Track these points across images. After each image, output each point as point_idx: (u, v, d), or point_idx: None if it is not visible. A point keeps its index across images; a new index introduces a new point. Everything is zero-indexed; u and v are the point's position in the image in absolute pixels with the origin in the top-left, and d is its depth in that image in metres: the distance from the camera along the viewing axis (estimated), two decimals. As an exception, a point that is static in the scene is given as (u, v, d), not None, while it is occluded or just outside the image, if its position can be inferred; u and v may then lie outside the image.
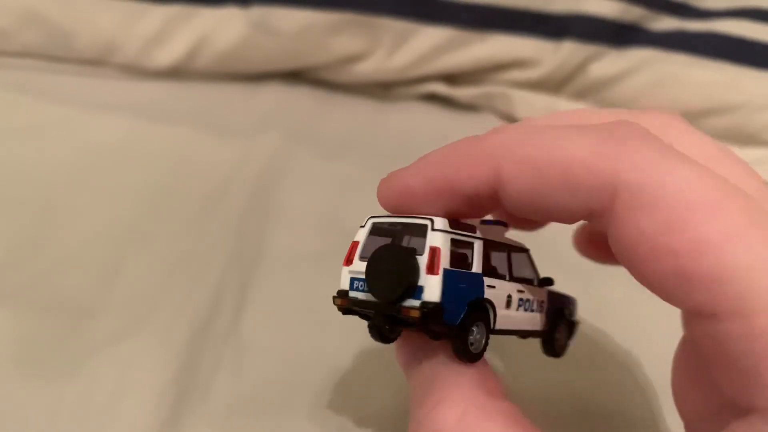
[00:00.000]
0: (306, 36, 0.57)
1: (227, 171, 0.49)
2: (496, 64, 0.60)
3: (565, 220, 0.22)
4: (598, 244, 0.30)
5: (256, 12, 0.57)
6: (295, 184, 0.50)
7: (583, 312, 0.31)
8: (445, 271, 0.22)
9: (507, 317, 0.25)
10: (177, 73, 0.59)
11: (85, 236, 0.42)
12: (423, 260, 0.22)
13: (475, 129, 0.58)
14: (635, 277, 0.20)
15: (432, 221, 0.23)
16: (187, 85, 0.60)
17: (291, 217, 0.46)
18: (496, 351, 0.35)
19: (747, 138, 0.59)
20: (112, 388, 0.33)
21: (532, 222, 0.30)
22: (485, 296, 0.24)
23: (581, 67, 0.59)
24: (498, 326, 0.24)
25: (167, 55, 0.59)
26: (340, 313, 0.25)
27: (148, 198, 0.46)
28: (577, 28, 0.58)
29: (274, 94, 0.60)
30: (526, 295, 0.26)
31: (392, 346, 0.26)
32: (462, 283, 0.23)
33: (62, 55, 0.59)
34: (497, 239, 0.25)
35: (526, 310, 0.25)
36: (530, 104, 0.59)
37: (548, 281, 0.27)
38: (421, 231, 0.23)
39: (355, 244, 0.25)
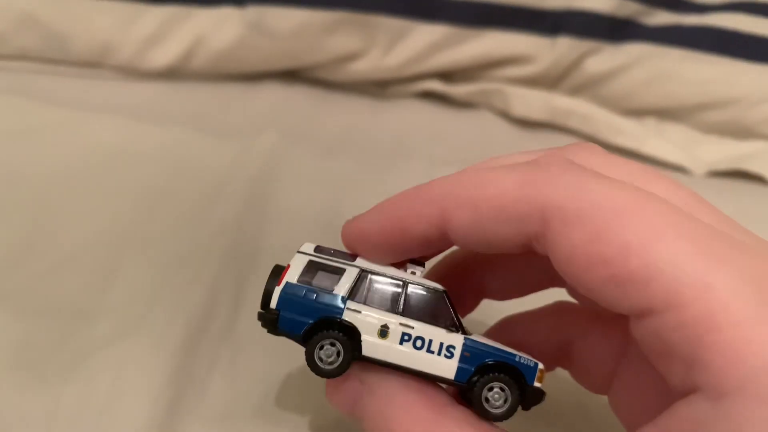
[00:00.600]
0: (302, 35, 0.57)
1: (223, 171, 0.49)
2: (492, 61, 0.60)
3: (510, 249, 0.24)
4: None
5: (252, 12, 0.57)
6: (292, 184, 0.50)
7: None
8: (287, 283, 0.26)
9: (382, 347, 0.25)
10: (173, 74, 0.59)
11: (81, 238, 0.43)
12: None
13: (472, 125, 0.59)
14: (581, 292, 0.22)
15: (301, 245, 0.27)
16: (183, 86, 0.60)
17: (288, 216, 0.46)
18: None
19: (744, 132, 0.59)
20: (109, 389, 0.33)
21: (512, 291, 0.31)
22: (343, 317, 0.25)
23: (577, 62, 0.59)
24: (368, 353, 0.25)
25: (163, 56, 0.59)
26: None
27: (144, 199, 0.46)
28: (572, 24, 0.58)
29: (271, 94, 0.60)
30: (418, 333, 0.25)
31: None
32: (309, 298, 0.26)
33: (58, 58, 0.59)
34: (394, 274, 0.26)
35: (416, 347, 0.25)
36: (526, 101, 0.59)
37: (461, 329, 0.26)
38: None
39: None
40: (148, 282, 0.40)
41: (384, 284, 0.26)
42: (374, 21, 0.57)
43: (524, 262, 0.29)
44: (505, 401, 0.25)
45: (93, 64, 0.59)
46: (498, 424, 0.25)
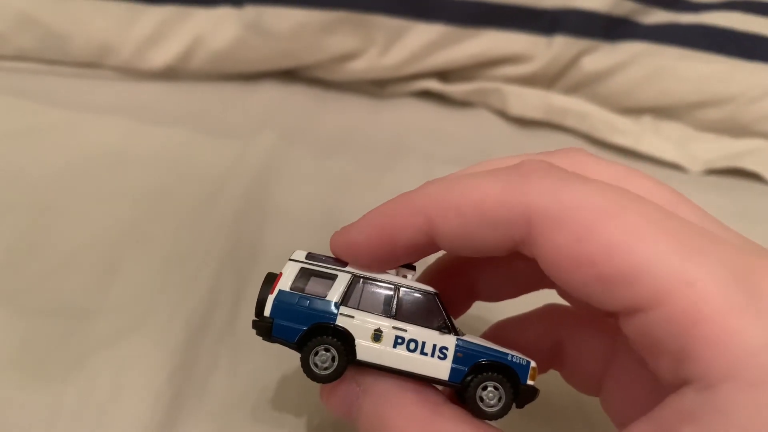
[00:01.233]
0: (299, 35, 0.57)
1: (222, 171, 0.49)
2: (489, 60, 0.60)
3: (498, 253, 0.24)
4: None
5: (250, 12, 0.58)
6: (291, 183, 0.50)
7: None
8: (280, 291, 0.26)
9: (377, 351, 0.26)
10: (172, 74, 0.60)
11: (81, 238, 0.43)
12: None
13: (469, 124, 0.59)
14: (570, 292, 0.22)
15: (293, 253, 0.27)
16: (182, 86, 0.60)
17: (286, 215, 0.47)
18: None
19: (740, 129, 0.59)
20: (109, 388, 0.33)
21: (504, 293, 0.31)
22: (337, 323, 0.26)
23: (574, 61, 0.60)
24: (363, 357, 0.26)
25: (162, 56, 0.59)
26: None
27: (144, 199, 0.46)
28: (568, 23, 0.58)
29: (269, 94, 0.60)
30: (411, 336, 0.26)
31: None
32: (302, 305, 0.26)
33: (57, 58, 0.59)
34: (386, 278, 0.27)
35: (409, 350, 0.26)
36: (523, 99, 0.59)
37: (453, 330, 0.26)
38: None
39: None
40: (148, 281, 0.40)
41: (376, 288, 0.27)
42: (372, 20, 0.58)
43: (514, 264, 0.29)
44: (499, 400, 0.25)
45: (92, 64, 0.59)
46: (492, 422, 0.26)
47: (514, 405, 0.26)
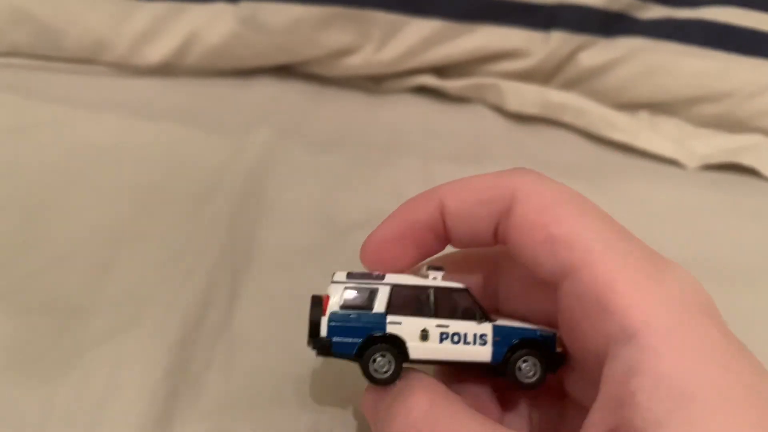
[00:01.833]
0: (295, 31, 0.57)
1: (218, 167, 0.49)
2: (486, 56, 0.60)
3: (486, 230, 0.28)
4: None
5: (245, 7, 0.57)
6: (287, 179, 0.50)
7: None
8: (332, 313, 0.29)
9: (426, 348, 0.28)
10: (167, 69, 0.59)
11: (76, 235, 0.43)
12: None
13: (467, 120, 0.59)
14: (520, 255, 0.27)
15: (333, 275, 0.29)
16: (177, 82, 0.60)
17: (282, 212, 0.46)
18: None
19: (736, 125, 0.59)
20: (105, 385, 0.33)
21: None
22: (387, 331, 0.28)
23: (571, 56, 0.59)
24: (416, 356, 0.28)
25: (157, 51, 0.58)
26: None
27: (139, 196, 0.46)
28: (565, 18, 0.58)
29: (265, 89, 0.60)
30: (453, 330, 0.29)
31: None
32: (354, 321, 0.29)
33: (52, 54, 0.59)
34: (420, 283, 0.29)
35: (454, 342, 0.29)
36: (520, 95, 0.59)
37: (487, 317, 0.29)
38: None
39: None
40: (143, 278, 0.40)
41: (414, 294, 0.29)
42: (368, 16, 0.57)
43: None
44: (536, 371, 0.29)
45: (86, 60, 0.59)
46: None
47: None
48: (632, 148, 0.58)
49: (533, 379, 0.29)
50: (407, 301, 0.29)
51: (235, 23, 0.57)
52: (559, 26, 0.58)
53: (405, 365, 0.28)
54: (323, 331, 0.29)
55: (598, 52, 0.59)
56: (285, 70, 0.61)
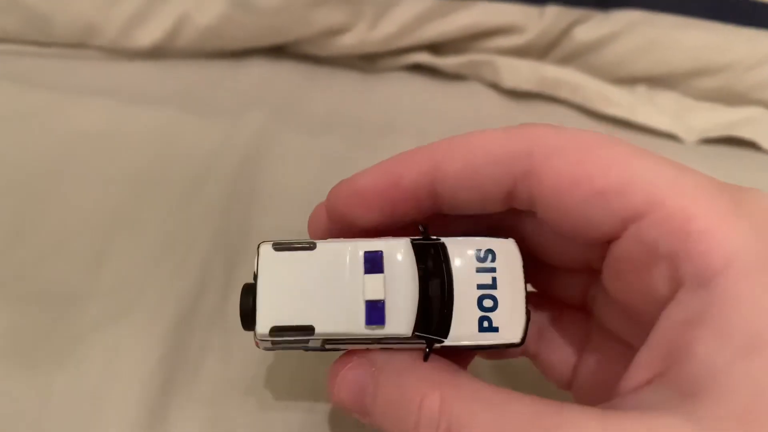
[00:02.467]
0: (286, 10, 0.56)
1: (212, 151, 0.49)
2: (481, 32, 0.59)
3: (495, 196, 0.25)
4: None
5: (236, -13, 0.56)
6: (281, 162, 0.49)
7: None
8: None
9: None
10: (159, 53, 0.59)
11: (69, 223, 0.42)
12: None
13: (462, 98, 0.58)
14: (558, 218, 0.24)
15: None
16: (169, 65, 0.59)
17: (277, 196, 0.46)
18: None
19: (737, 98, 0.58)
20: (100, 373, 0.33)
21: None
22: None
23: (566, 31, 0.59)
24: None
25: (148, 35, 0.58)
26: None
27: (132, 182, 0.46)
28: (560, -8, 0.58)
29: (258, 71, 0.59)
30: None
31: None
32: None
33: (42, 39, 0.58)
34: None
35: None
36: (516, 71, 0.58)
37: None
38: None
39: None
40: (138, 265, 0.40)
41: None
42: (360, -7, 0.57)
43: None
44: None
45: (77, 45, 0.58)
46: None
47: None
48: (630, 123, 0.57)
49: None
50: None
51: (225, 4, 0.57)
52: (554, 0, 0.58)
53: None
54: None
55: (594, 26, 0.58)
56: (278, 51, 0.61)
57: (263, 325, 0.25)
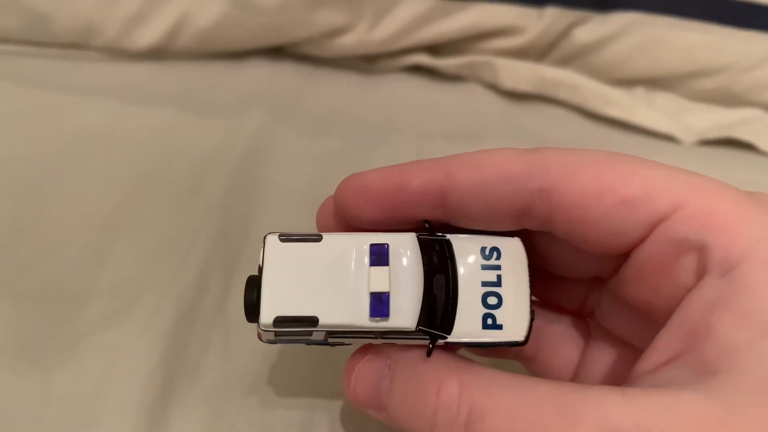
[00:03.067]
0: (286, 11, 0.56)
1: (212, 151, 0.49)
2: (480, 33, 0.59)
3: (508, 212, 0.25)
4: None
5: (236, -12, 0.57)
6: (281, 162, 0.49)
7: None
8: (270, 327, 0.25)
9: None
10: (158, 53, 0.59)
11: (70, 222, 0.42)
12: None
13: (461, 99, 0.59)
14: (581, 232, 0.24)
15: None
16: (169, 65, 0.59)
17: (277, 195, 0.46)
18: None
19: (734, 99, 0.58)
20: (101, 372, 0.33)
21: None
22: None
23: (565, 33, 0.59)
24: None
25: (148, 35, 0.58)
26: None
27: (132, 181, 0.46)
28: (559, -6, 0.58)
29: (258, 71, 0.59)
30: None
31: None
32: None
33: (42, 39, 0.58)
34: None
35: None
36: (515, 72, 0.59)
37: None
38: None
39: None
40: (138, 264, 0.40)
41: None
42: (359, -6, 0.57)
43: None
44: None
45: (77, 45, 0.58)
46: None
47: None
48: (628, 124, 0.57)
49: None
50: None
51: (225, 4, 0.57)
52: (553, 2, 0.58)
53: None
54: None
55: (592, 27, 0.58)
56: (277, 52, 0.61)
57: (267, 315, 0.25)
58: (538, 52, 0.60)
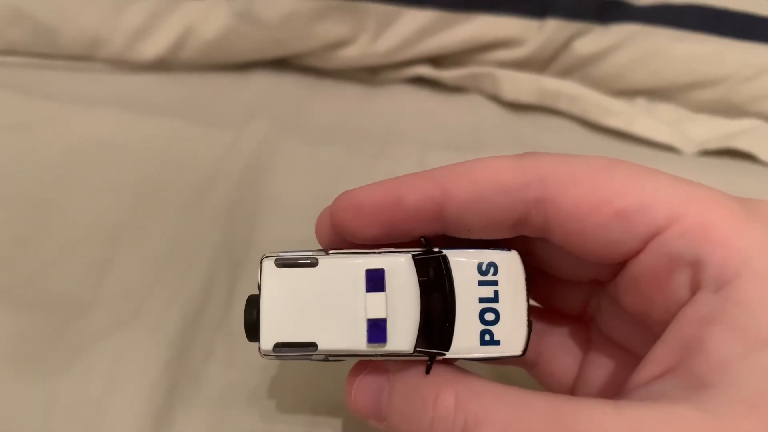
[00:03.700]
0: (290, 24, 0.57)
1: (216, 161, 0.49)
2: (481, 45, 0.60)
3: (504, 222, 0.25)
4: None
5: (240, 1, 0.57)
6: (284, 172, 0.50)
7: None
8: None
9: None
10: (163, 65, 0.59)
11: (75, 231, 0.43)
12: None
13: (463, 110, 0.59)
14: (577, 242, 0.24)
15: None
16: (173, 77, 0.60)
17: (280, 205, 0.47)
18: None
19: (733, 110, 0.59)
20: (106, 380, 0.34)
21: None
22: None
23: (566, 44, 0.59)
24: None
25: (153, 47, 0.58)
26: None
27: (137, 191, 0.46)
28: (560, 5, 0.58)
29: (261, 83, 0.60)
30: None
31: None
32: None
33: (48, 51, 0.59)
34: None
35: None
36: (516, 83, 0.59)
37: None
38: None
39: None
40: (142, 273, 0.40)
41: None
42: (362, 7, 0.57)
43: None
44: None
45: (83, 57, 0.59)
46: None
47: None
48: (629, 134, 0.57)
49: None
50: None
51: (230, 17, 0.57)
52: (554, 14, 0.58)
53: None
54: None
55: (593, 39, 0.59)
56: (281, 63, 0.61)
57: (267, 342, 0.25)
58: (539, 64, 0.61)
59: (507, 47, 0.60)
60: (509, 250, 0.26)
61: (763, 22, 0.58)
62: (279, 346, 0.25)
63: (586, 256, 0.25)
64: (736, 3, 0.58)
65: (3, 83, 0.56)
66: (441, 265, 0.26)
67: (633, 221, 0.23)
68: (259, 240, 0.43)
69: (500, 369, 0.35)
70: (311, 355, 0.26)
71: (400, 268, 0.26)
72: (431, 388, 0.25)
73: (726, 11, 0.58)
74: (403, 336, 0.25)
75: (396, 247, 0.26)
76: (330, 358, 0.27)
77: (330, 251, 0.26)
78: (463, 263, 0.26)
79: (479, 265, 0.26)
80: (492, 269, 0.26)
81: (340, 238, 0.28)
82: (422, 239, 0.26)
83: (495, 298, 0.25)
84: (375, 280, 0.25)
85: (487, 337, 0.25)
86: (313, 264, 0.26)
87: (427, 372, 0.25)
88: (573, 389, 0.30)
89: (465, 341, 0.25)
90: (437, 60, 0.61)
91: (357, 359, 0.28)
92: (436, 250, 0.26)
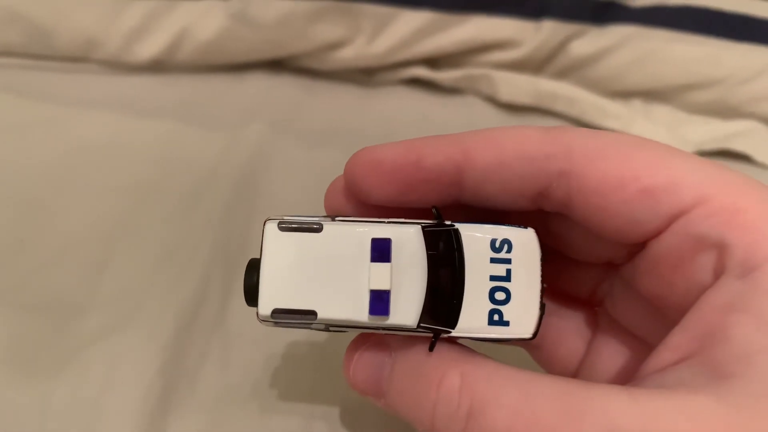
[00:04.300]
0: (286, 25, 0.57)
1: (212, 163, 0.49)
2: (478, 46, 0.59)
3: (525, 193, 0.24)
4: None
5: (236, 2, 0.57)
6: (281, 174, 0.50)
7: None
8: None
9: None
10: (159, 66, 0.59)
11: (70, 233, 0.43)
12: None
13: (459, 111, 0.59)
14: (600, 219, 0.24)
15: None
16: (169, 78, 0.60)
17: (277, 206, 0.46)
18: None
19: (730, 111, 0.59)
20: (101, 382, 0.34)
21: None
22: None
23: (562, 45, 0.59)
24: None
25: (149, 48, 0.58)
26: None
27: (133, 192, 0.46)
28: (556, 7, 0.58)
29: (258, 84, 0.60)
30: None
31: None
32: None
33: (43, 53, 0.59)
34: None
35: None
36: (513, 85, 0.59)
37: None
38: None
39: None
40: (138, 275, 0.40)
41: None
42: (358, 8, 0.57)
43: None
44: None
45: (78, 58, 0.59)
46: None
47: None
48: (626, 136, 0.57)
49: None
50: None
51: (225, 18, 0.57)
52: (550, 15, 0.58)
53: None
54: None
55: (589, 40, 0.59)
56: (277, 65, 0.61)
57: (265, 307, 0.25)
58: (535, 65, 0.61)
59: (503, 48, 0.60)
60: (525, 227, 0.25)
61: (760, 24, 0.58)
62: (277, 312, 0.25)
63: (607, 234, 0.24)
64: (732, 4, 0.59)
65: (0, 85, 0.56)
66: (452, 238, 0.24)
67: (659, 199, 0.22)
68: (255, 242, 0.43)
69: (501, 350, 0.35)
70: (311, 323, 0.25)
71: (409, 239, 0.25)
72: (435, 368, 0.24)
73: (722, 13, 0.58)
74: (407, 310, 0.24)
75: (406, 218, 0.25)
76: (330, 328, 0.26)
77: (337, 218, 0.25)
78: (475, 238, 0.24)
79: (492, 242, 0.24)
80: (506, 246, 0.24)
81: (349, 206, 0.27)
82: (434, 210, 0.25)
83: (507, 277, 0.24)
84: (381, 250, 0.24)
85: (495, 317, 0.24)
86: (318, 229, 0.25)
87: (431, 349, 0.24)
88: (577, 374, 0.29)
89: (472, 320, 0.24)
90: (433, 61, 0.61)
91: (358, 332, 0.27)
92: (447, 223, 0.25)
